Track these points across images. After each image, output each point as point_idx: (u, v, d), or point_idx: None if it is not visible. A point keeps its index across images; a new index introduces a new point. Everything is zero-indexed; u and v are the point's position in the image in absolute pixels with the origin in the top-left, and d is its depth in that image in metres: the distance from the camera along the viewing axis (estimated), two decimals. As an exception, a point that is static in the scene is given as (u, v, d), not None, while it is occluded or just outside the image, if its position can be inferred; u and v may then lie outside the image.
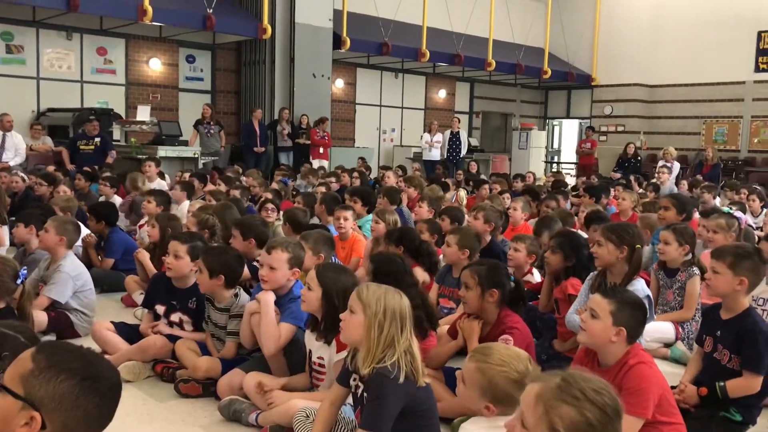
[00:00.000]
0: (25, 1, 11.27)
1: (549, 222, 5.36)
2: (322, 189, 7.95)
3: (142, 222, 6.38)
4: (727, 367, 3.04)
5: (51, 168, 9.58)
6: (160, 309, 3.90)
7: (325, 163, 13.67)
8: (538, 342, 3.98)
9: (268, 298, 3.25)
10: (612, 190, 9.07)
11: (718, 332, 3.10)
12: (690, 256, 4.33)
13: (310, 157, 13.80)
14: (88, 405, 1.38)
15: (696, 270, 4.26)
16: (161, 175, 9.37)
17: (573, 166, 19.51)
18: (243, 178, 9.49)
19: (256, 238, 4.63)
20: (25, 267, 2.99)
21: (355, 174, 10.33)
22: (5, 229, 6.32)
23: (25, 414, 1.34)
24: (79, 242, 5.49)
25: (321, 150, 13.92)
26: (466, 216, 5.77)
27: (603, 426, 1.47)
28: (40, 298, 4.22)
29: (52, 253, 4.39)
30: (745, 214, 7.47)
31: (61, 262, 4.29)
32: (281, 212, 6.17)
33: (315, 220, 6.31)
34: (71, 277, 4.26)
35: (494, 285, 3.16)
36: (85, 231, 5.79)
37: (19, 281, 3.17)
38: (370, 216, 6.40)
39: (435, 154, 15.14)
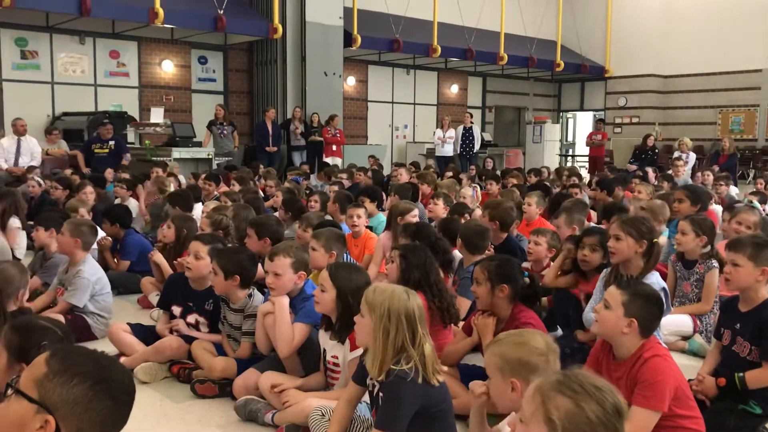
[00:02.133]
0: (38, 7, 11.36)
1: (571, 207, 5.30)
2: (335, 187, 7.95)
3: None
4: (747, 360, 3.00)
5: (68, 172, 9.67)
6: (177, 310, 3.91)
7: (339, 161, 13.69)
8: (564, 335, 3.97)
9: (284, 302, 3.25)
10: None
11: (737, 325, 3.06)
12: (709, 248, 4.28)
13: (324, 155, 13.81)
14: (101, 408, 1.39)
15: (715, 263, 4.21)
16: (175, 178, 9.41)
17: (587, 158, 19.38)
18: (261, 178, 9.54)
19: (271, 237, 4.64)
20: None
21: (367, 173, 10.33)
22: (23, 233, 6.39)
23: (39, 418, 1.36)
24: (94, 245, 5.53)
25: (334, 147, 13.94)
26: (479, 212, 5.75)
27: (602, 422, 1.44)
28: (60, 303, 4.28)
29: (70, 257, 4.42)
30: (765, 204, 7.38)
31: (81, 267, 4.31)
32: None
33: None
34: (91, 283, 4.29)
35: (504, 280, 3.12)
36: (101, 233, 5.84)
37: None
38: (381, 215, 6.42)
39: (448, 150, 15.10)
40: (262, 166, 11.25)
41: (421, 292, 3.35)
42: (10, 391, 1.41)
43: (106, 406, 1.40)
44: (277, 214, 6.30)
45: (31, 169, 9.34)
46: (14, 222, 6.28)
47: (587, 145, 16.67)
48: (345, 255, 4.30)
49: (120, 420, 1.45)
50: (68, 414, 1.36)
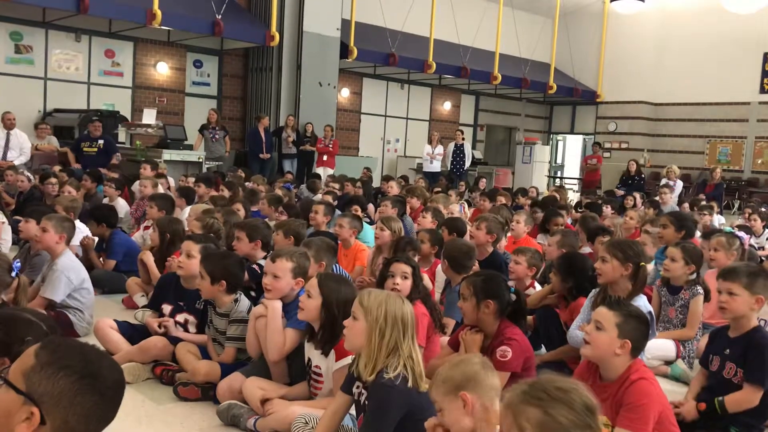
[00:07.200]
0: (36, 3, 11.32)
1: (566, 233, 5.31)
2: (329, 197, 7.95)
3: (147, 224, 6.38)
4: (734, 384, 3.01)
5: (56, 168, 9.60)
6: (167, 309, 3.91)
7: (330, 172, 13.68)
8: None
9: (276, 306, 3.24)
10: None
11: (727, 350, 3.08)
12: (695, 275, 4.31)
13: (315, 165, 13.81)
14: (86, 403, 1.39)
15: (700, 290, 4.24)
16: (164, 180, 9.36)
17: (576, 181, 19.53)
18: (248, 183, 9.52)
19: (262, 240, 4.64)
20: (18, 260, 2.99)
21: (356, 183, 10.36)
22: (8, 228, 6.34)
23: (26, 409, 1.36)
24: (77, 242, 5.46)
25: (325, 158, 13.94)
26: (469, 227, 5.75)
27: (575, 424, 1.46)
28: (36, 299, 4.12)
29: (51, 252, 4.34)
30: (749, 235, 7.44)
31: (56, 260, 4.23)
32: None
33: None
34: (65, 275, 4.17)
35: (489, 296, 3.11)
36: (86, 232, 5.79)
37: (13, 274, 3.17)
38: (367, 226, 6.43)
39: (436, 166, 15.08)
40: (243, 174, 11.14)
41: (422, 302, 3.43)
42: None
43: (91, 401, 1.39)
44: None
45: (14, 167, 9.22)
46: (-2, 216, 6.23)
47: (582, 170, 16.70)
48: (336, 267, 4.32)
49: (107, 415, 1.44)
50: (53, 406, 1.36)
